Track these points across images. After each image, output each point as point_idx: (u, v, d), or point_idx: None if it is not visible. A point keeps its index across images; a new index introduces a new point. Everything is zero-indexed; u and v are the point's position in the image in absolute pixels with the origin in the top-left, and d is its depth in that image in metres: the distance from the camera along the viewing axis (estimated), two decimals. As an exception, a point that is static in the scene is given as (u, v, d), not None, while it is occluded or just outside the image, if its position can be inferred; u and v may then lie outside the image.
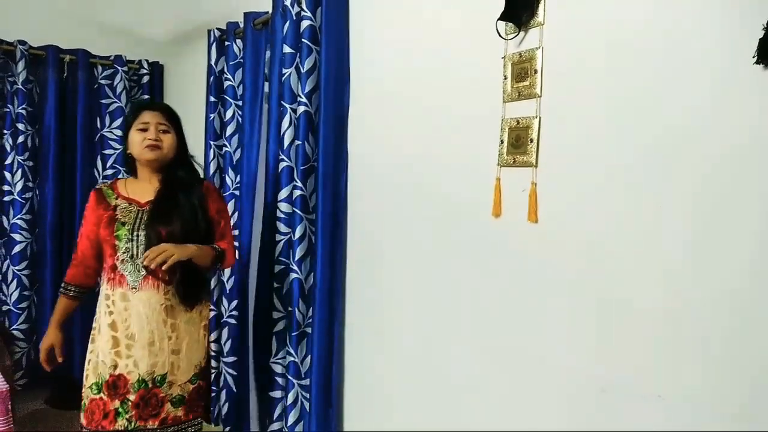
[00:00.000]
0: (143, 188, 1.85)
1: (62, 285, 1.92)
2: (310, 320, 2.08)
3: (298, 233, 2.06)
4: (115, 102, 3.25)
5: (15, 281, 3.03)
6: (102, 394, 1.75)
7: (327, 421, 2.07)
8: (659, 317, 1.20)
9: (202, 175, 1.96)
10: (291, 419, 2.11)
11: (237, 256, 2.21)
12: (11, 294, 3.04)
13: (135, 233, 1.76)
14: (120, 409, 1.74)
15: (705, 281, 1.13)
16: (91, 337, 1.83)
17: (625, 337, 1.26)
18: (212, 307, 2.71)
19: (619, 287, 1.27)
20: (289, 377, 2.11)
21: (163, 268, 1.65)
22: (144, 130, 1.80)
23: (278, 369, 2.19)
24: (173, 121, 1.87)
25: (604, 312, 1.30)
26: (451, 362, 1.70)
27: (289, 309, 2.11)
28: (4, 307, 3.04)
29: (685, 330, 1.16)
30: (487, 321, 1.58)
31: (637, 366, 1.24)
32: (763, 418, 1.05)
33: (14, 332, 3.01)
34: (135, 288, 1.75)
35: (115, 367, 1.74)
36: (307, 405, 2.08)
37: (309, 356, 2.09)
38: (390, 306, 1.93)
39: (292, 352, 2.09)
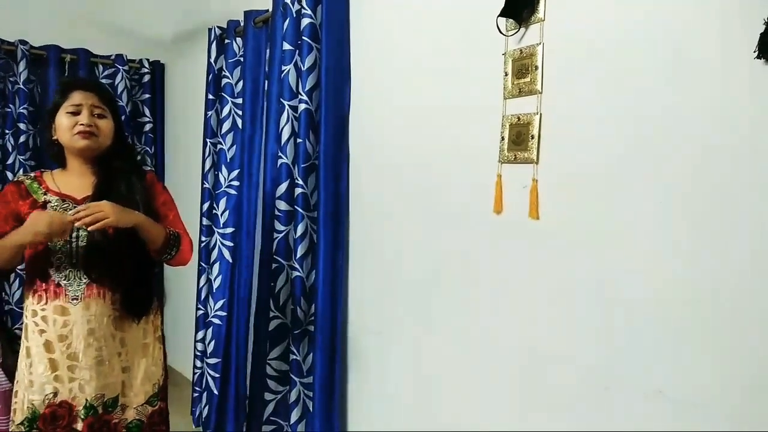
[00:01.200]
0: (76, 182, 1.55)
1: None
2: (312, 318, 2.08)
3: (299, 231, 2.06)
4: (116, 101, 3.24)
5: (17, 281, 3.03)
6: (36, 431, 1.49)
7: (330, 420, 2.07)
8: (661, 314, 1.20)
9: (149, 166, 1.76)
10: (293, 418, 2.11)
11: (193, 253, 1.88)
12: (13, 293, 3.04)
13: (74, 234, 1.48)
14: None
15: (707, 278, 1.13)
16: (18, 364, 1.56)
17: (628, 333, 1.26)
18: (200, 306, 2.71)
19: (620, 284, 1.27)
20: (291, 375, 2.11)
21: (89, 229, 1.38)
22: (75, 113, 1.50)
23: (275, 369, 2.18)
24: (110, 103, 1.59)
25: (606, 308, 1.30)
26: (453, 359, 1.70)
27: (291, 307, 2.10)
28: (6, 307, 3.04)
29: (687, 327, 1.16)
30: (488, 317, 1.58)
31: (641, 363, 1.24)
32: (765, 418, 1.05)
33: (16, 332, 3.01)
34: (77, 299, 1.48)
35: (55, 394, 1.49)
36: (309, 403, 2.08)
37: (311, 354, 2.09)
38: (392, 303, 1.92)
39: (294, 350, 2.09)
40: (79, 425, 1.50)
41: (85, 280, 1.49)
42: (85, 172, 1.57)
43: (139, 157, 1.74)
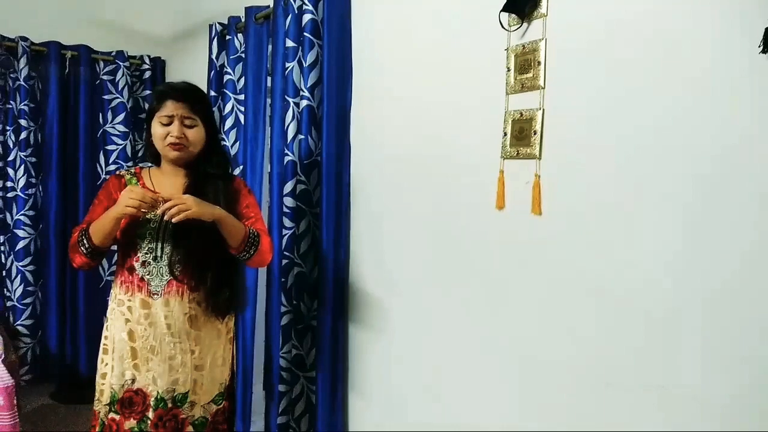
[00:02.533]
0: (169, 182, 1.65)
1: (80, 241, 1.58)
2: (315, 313, 2.08)
3: (302, 227, 2.07)
4: (117, 97, 3.25)
5: (19, 277, 3.04)
6: (114, 414, 1.59)
7: (334, 414, 2.08)
8: (663, 310, 1.20)
9: (239, 169, 1.82)
10: (297, 411, 2.12)
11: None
12: (15, 290, 3.04)
13: (161, 232, 1.59)
14: (136, 430, 1.58)
15: (707, 274, 1.13)
16: (102, 347, 1.65)
17: (630, 330, 1.26)
18: None
19: (622, 280, 1.27)
20: (295, 370, 2.12)
21: (173, 220, 1.45)
22: (167, 124, 1.59)
23: (289, 362, 2.19)
24: (201, 110, 1.63)
25: (608, 304, 1.30)
26: (454, 356, 1.70)
27: (294, 302, 2.11)
28: (9, 303, 3.05)
29: (689, 322, 1.16)
30: (490, 314, 1.58)
31: (641, 359, 1.24)
32: (765, 414, 1.05)
33: (19, 328, 3.02)
34: (157, 294, 1.58)
35: (134, 380, 1.59)
36: (313, 397, 2.09)
37: (314, 349, 2.09)
38: (393, 299, 1.93)
39: (297, 345, 2.10)
40: (151, 414, 1.58)
41: (166, 277, 1.59)
42: (177, 173, 1.67)
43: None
